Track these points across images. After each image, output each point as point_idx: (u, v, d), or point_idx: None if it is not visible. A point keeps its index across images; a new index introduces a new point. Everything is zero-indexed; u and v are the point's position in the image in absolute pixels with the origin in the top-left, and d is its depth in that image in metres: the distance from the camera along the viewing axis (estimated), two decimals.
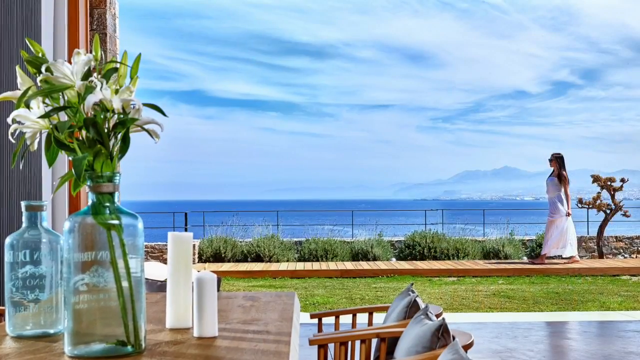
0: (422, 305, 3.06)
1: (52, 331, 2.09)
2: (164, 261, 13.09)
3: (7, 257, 2.06)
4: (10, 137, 1.87)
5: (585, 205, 15.04)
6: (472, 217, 21.83)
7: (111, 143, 1.78)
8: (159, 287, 4.47)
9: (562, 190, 13.31)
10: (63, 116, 1.80)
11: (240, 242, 15.05)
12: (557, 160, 13.47)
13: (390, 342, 2.89)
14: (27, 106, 1.79)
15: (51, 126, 1.79)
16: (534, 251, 14.79)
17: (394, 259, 14.84)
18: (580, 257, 14.26)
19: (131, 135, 1.81)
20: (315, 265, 13.52)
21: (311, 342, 2.85)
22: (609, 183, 14.78)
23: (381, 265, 13.55)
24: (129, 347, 1.78)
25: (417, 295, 3.17)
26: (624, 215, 14.83)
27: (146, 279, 4.44)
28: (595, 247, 14.81)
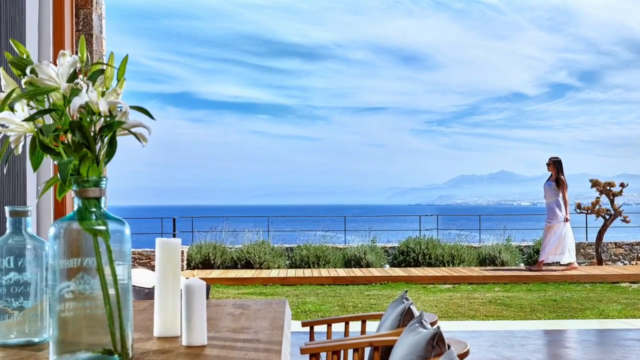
0: (416, 313, 3.02)
1: (37, 340, 2.05)
2: (152, 268, 13.03)
3: None
4: None
5: (583, 211, 15.00)
6: (467, 222, 21.86)
7: (97, 147, 1.75)
8: (146, 294, 4.43)
9: (560, 195, 13.27)
10: (48, 119, 1.77)
11: (230, 248, 14.96)
12: (555, 165, 13.44)
13: (383, 350, 2.86)
14: (11, 109, 1.75)
15: (36, 129, 1.75)
16: (531, 258, 14.78)
17: (387, 266, 14.80)
18: (579, 263, 14.24)
19: (118, 138, 1.78)
20: (307, 272, 13.45)
21: (302, 351, 2.81)
22: (608, 188, 14.75)
23: (374, 272, 13.51)
24: (116, 356, 1.75)
25: (412, 303, 3.13)
26: (624, 220, 14.78)
27: (133, 286, 4.40)
28: (594, 253, 14.79)
